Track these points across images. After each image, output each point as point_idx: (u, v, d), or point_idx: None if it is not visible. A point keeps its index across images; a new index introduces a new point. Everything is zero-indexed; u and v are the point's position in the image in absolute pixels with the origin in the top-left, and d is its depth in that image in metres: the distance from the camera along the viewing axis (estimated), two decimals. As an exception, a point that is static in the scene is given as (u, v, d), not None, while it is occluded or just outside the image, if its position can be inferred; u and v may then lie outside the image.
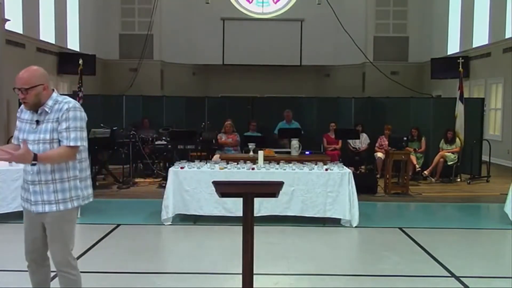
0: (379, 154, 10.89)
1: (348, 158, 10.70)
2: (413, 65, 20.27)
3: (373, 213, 7.99)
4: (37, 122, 3.32)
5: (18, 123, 3.48)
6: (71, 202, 3.36)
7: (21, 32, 13.62)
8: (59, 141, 3.28)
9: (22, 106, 3.45)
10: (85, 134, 3.37)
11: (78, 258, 5.33)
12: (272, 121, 11.74)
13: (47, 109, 3.32)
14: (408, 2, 20.36)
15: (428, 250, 5.80)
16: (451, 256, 5.61)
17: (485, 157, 11.40)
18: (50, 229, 3.36)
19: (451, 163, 10.83)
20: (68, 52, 16.41)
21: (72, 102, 3.35)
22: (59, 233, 3.37)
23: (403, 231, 6.67)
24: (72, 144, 3.26)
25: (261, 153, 7.48)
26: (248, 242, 3.45)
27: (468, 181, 10.80)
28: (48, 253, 3.50)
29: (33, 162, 3.15)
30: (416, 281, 4.91)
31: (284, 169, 7.00)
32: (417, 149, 10.89)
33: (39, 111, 3.33)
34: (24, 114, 3.44)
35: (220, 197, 3.64)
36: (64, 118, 3.26)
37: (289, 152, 9.21)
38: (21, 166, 7.11)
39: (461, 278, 4.88)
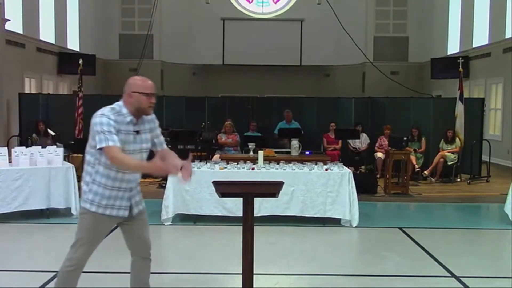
0: (379, 154, 10.88)
1: (348, 158, 10.70)
2: (413, 65, 20.27)
3: (373, 213, 7.99)
4: (137, 132, 3.43)
5: (119, 135, 3.32)
6: None
7: (21, 32, 13.61)
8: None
9: (109, 114, 3.31)
10: None
11: (78, 258, 5.36)
12: (272, 121, 11.75)
13: (144, 118, 3.50)
14: (408, 2, 20.36)
15: (428, 250, 5.80)
16: (451, 256, 5.61)
17: (485, 157, 11.40)
18: (143, 224, 3.62)
19: (451, 163, 10.83)
20: (68, 52, 16.41)
21: None
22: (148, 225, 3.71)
23: (403, 231, 6.66)
24: (165, 146, 3.70)
25: (261, 153, 7.48)
26: (248, 242, 3.46)
27: (468, 181, 10.80)
28: None
29: None
30: (416, 281, 4.91)
31: (284, 169, 7.00)
32: (417, 150, 10.88)
33: (138, 121, 3.45)
34: (119, 125, 3.33)
35: (220, 197, 3.65)
36: (157, 125, 3.64)
37: (289, 152, 9.21)
38: (21, 166, 7.06)
39: (461, 278, 4.88)
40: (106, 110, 3.37)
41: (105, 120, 3.28)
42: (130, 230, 3.59)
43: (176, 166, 3.32)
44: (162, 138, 3.69)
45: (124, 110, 3.38)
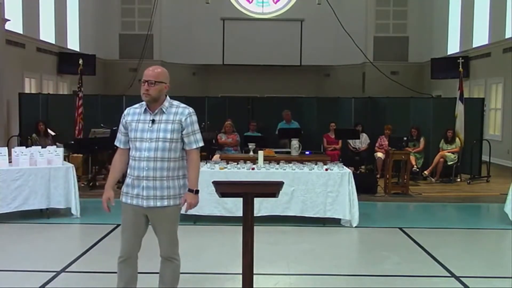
0: (379, 154, 10.88)
1: (348, 158, 10.69)
2: (413, 65, 20.27)
3: (373, 213, 7.99)
4: (153, 121, 3.55)
5: (125, 125, 3.64)
6: (179, 198, 3.62)
7: (21, 32, 13.60)
8: (181, 142, 3.58)
9: (129, 110, 3.68)
10: None
11: (78, 258, 5.36)
12: (272, 121, 11.74)
13: (164, 110, 3.57)
14: (408, 2, 20.36)
15: (428, 250, 5.80)
16: (451, 256, 5.61)
17: (485, 157, 11.40)
18: (163, 222, 3.62)
19: (451, 163, 10.82)
20: (68, 52, 16.40)
21: (188, 107, 3.67)
22: (171, 225, 3.65)
23: (403, 231, 6.67)
24: (200, 144, 3.64)
25: (261, 153, 7.48)
26: (248, 242, 3.46)
27: (468, 181, 10.79)
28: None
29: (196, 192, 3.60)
30: (416, 281, 4.91)
31: (284, 169, 7.00)
32: (412, 147, 10.75)
33: (155, 111, 3.56)
34: (133, 116, 3.62)
35: (220, 197, 3.65)
36: (189, 123, 3.59)
37: (289, 152, 9.21)
38: (21, 166, 7.07)
39: (461, 278, 4.88)
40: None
41: (121, 119, 3.69)
42: (152, 226, 3.69)
43: (106, 199, 3.68)
44: (192, 138, 3.59)
45: (144, 102, 3.62)
